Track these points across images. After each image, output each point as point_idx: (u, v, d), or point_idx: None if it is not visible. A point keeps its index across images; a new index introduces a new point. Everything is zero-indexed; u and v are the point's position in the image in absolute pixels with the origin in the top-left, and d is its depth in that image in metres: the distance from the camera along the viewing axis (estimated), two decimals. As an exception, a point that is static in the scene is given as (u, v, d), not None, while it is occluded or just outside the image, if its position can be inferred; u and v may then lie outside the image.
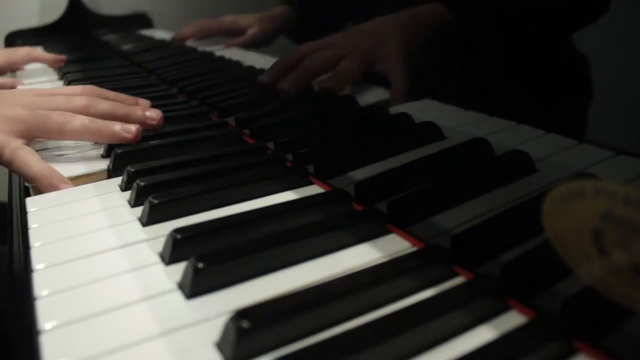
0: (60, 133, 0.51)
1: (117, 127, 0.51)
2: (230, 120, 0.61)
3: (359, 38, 0.61)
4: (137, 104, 0.58)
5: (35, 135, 0.51)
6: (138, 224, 0.38)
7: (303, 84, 0.62)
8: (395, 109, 0.54)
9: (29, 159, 0.47)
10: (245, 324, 0.25)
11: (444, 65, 0.51)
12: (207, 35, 1.08)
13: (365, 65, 0.60)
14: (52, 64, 1.11)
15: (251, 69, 0.80)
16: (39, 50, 1.15)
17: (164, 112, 0.64)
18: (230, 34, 0.99)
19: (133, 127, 0.52)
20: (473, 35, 0.47)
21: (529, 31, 0.40)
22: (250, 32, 0.94)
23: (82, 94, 0.56)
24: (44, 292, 0.30)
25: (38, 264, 0.33)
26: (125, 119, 0.54)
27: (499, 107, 0.44)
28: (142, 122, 0.55)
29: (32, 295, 0.30)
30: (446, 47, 0.51)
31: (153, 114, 0.56)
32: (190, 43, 1.10)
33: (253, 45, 0.93)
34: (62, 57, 1.11)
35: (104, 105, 0.54)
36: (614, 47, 0.35)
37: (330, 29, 0.65)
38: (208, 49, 1.01)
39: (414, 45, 0.56)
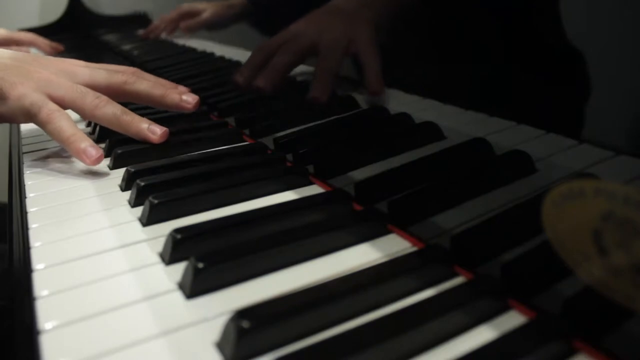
0: (92, 115, 0.52)
1: (144, 125, 0.52)
2: (230, 120, 0.61)
3: (325, 20, 0.59)
4: (175, 89, 0.59)
5: (68, 107, 0.52)
6: (138, 224, 0.38)
7: (278, 81, 0.60)
8: (395, 109, 0.54)
9: (63, 123, 0.49)
10: (245, 324, 0.25)
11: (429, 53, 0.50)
12: (173, 26, 1.13)
13: (343, 52, 0.56)
14: (49, 52, 1.26)
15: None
16: (39, 38, 1.30)
17: (163, 111, 0.64)
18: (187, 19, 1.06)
19: (159, 130, 0.52)
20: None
21: (530, 29, 0.40)
22: (204, 15, 0.99)
23: (124, 72, 0.57)
24: (44, 292, 0.30)
25: (38, 264, 0.33)
26: (161, 99, 0.56)
27: (499, 107, 0.44)
28: (177, 105, 0.56)
29: (32, 295, 0.30)
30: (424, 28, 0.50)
31: (189, 98, 0.57)
32: (191, 43, 1.10)
33: (207, 27, 0.99)
34: (60, 47, 1.26)
35: (142, 84, 0.56)
36: (615, 47, 0.35)
37: (284, 20, 0.64)
38: (208, 49, 1.01)
39: (387, 22, 0.54)
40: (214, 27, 0.99)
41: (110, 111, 0.52)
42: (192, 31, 1.05)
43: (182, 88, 0.60)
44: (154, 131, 0.52)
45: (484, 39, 0.44)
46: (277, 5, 0.76)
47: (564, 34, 0.38)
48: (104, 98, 0.52)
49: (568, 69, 0.39)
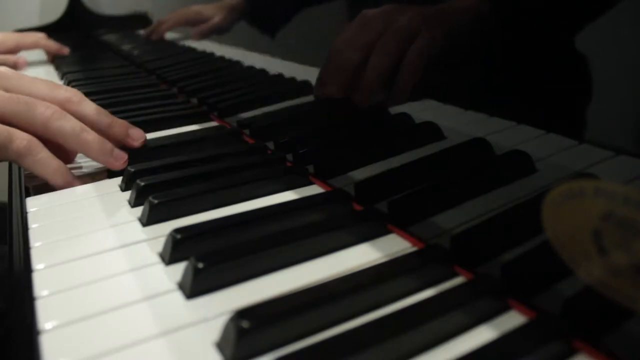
0: (44, 129, 0.44)
1: (108, 147, 0.46)
2: (231, 121, 0.61)
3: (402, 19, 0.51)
4: (121, 122, 0.51)
5: (11, 123, 0.44)
6: (138, 224, 0.38)
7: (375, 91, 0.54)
8: (395, 109, 0.54)
9: (45, 153, 0.43)
10: (245, 324, 0.25)
11: (454, 65, 0.49)
12: (177, 27, 1.12)
13: (402, 48, 0.50)
14: (54, 53, 1.22)
15: (251, 69, 0.80)
16: (46, 39, 1.24)
17: (163, 112, 0.64)
18: (196, 24, 1.04)
19: (123, 155, 0.47)
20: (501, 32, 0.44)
21: (530, 30, 0.40)
22: (214, 20, 0.98)
23: (67, 89, 0.48)
24: (44, 292, 0.30)
25: (38, 264, 0.33)
26: (106, 130, 0.48)
27: (499, 107, 0.44)
28: (121, 139, 0.49)
29: (32, 295, 0.30)
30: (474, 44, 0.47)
31: (135, 134, 0.50)
32: (190, 43, 1.10)
33: (216, 32, 0.98)
34: (65, 48, 1.21)
35: (88, 107, 0.48)
36: (614, 47, 0.35)
37: (282, 18, 0.63)
38: (208, 49, 1.01)
39: (444, 40, 0.50)
40: (222, 31, 0.99)
41: (69, 125, 0.44)
42: (203, 37, 1.03)
43: (127, 123, 0.51)
44: (118, 157, 0.46)
45: (484, 39, 0.44)
46: (274, 3, 0.75)
47: (564, 35, 0.38)
48: (57, 108, 0.44)
49: (568, 69, 0.39)
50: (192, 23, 1.06)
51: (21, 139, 0.43)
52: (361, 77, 0.53)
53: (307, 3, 0.63)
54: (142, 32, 1.27)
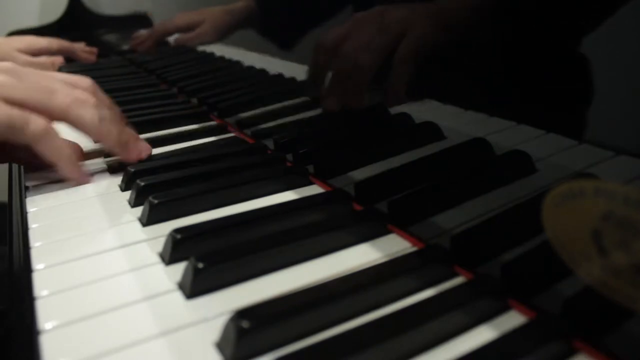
0: (63, 116, 0.44)
1: (124, 138, 0.47)
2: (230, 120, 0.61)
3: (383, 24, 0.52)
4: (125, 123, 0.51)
5: (29, 110, 0.43)
6: (138, 224, 0.38)
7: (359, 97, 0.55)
8: (395, 109, 0.54)
9: (59, 140, 0.44)
10: (245, 324, 0.25)
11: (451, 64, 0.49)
12: (164, 38, 1.09)
13: (385, 46, 0.50)
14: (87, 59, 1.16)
15: (251, 69, 0.80)
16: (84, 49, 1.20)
17: (163, 112, 0.64)
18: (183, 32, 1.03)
19: (137, 150, 0.48)
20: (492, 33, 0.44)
21: (530, 31, 0.40)
22: (199, 30, 0.95)
23: (85, 88, 0.48)
24: (44, 292, 0.30)
25: (38, 264, 0.33)
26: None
27: (499, 107, 0.44)
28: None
29: (32, 295, 0.30)
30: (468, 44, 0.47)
31: (143, 147, 0.50)
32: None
33: (207, 41, 0.95)
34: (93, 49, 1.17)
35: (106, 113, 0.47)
36: (614, 47, 0.35)
37: (297, 25, 0.63)
38: (208, 49, 1.01)
39: (438, 39, 0.49)
40: (212, 40, 0.96)
41: (88, 114, 0.45)
42: (189, 45, 1.01)
43: (134, 134, 0.50)
44: (133, 150, 0.48)
45: (483, 39, 0.44)
46: (287, 7, 0.74)
47: (564, 35, 0.38)
48: (76, 96, 0.45)
49: (568, 69, 0.39)
50: (183, 32, 1.04)
51: (38, 123, 0.43)
52: (353, 79, 0.53)
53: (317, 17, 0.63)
54: (141, 31, 1.26)
